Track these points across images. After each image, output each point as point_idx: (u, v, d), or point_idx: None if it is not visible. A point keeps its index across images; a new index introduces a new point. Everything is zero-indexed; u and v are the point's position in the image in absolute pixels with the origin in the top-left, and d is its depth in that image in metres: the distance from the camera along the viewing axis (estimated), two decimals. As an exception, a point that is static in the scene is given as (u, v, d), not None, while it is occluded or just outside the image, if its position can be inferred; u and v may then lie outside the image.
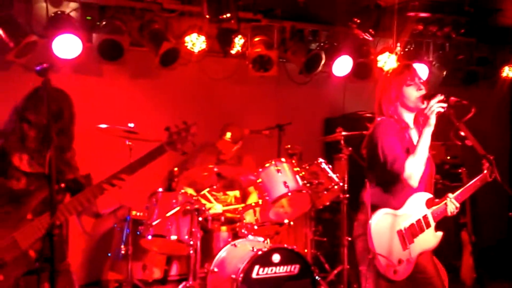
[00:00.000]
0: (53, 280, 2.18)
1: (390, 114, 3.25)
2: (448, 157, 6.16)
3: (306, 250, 5.11)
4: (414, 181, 3.08)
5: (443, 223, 6.31)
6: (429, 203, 3.23)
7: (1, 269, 2.51)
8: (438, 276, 3.32)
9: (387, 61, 6.11)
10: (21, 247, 2.54)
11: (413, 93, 3.20)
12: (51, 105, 2.61)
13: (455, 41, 6.64)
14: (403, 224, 3.14)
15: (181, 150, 2.77)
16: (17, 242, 2.54)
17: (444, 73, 6.75)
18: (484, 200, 6.20)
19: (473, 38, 6.91)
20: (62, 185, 2.64)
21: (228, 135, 5.15)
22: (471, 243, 5.66)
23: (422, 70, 6.37)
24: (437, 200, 3.28)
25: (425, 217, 3.20)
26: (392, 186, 3.20)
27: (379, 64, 6.13)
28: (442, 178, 6.02)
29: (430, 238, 3.22)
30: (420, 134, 3.16)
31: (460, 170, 5.46)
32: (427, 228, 3.20)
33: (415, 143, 3.18)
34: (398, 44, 6.46)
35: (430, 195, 3.25)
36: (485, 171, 3.31)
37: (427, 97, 3.17)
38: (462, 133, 3.11)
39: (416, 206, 3.20)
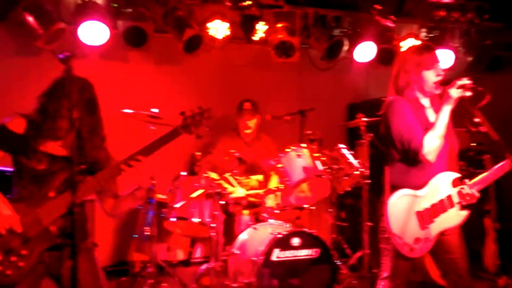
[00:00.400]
0: (74, 256, 2.22)
1: (407, 95, 3.25)
2: (473, 144, 6.09)
3: (326, 236, 5.12)
4: (432, 157, 3.12)
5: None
6: (455, 183, 3.22)
7: (24, 244, 2.59)
8: (464, 257, 3.31)
9: (412, 47, 6.06)
10: (43, 223, 2.61)
11: (431, 77, 3.21)
12: (85, 94, 2.76)
13: (480, 26, 6.52)
14: (423, 205, 3.16)
15: (196, 134, 2.82)
16: (40, 219, 2.61)
17: (470, 59, 6.63)
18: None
19: (499, 23, 6.80)
20: (83, 166, 2.67)
21: (247, 105, 5.26)
22: (495, 230, 5.61)
23: (447, 56, 6.32)
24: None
25: (449, 197, 3.20)
26: (412, 165, 3.21)
27: (402, 50, 6.06)
28: (466, 165, 5.98)
29: (453, 217, 3.21)
30: (438, 111, 3.16)
31: (484, 157, 5.40)
32: (450, 207, 3.19)
33: (431, 121, 3.19)
34: (424, 30, 6.44)
35: (456, 175, 3.25)
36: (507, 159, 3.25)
37: (444, 83, 3.18)
38: (477, 119, 3.13)
39: (440, 186, 3.21)
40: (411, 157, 3.16)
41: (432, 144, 3.10)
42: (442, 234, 3.22)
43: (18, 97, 4.97)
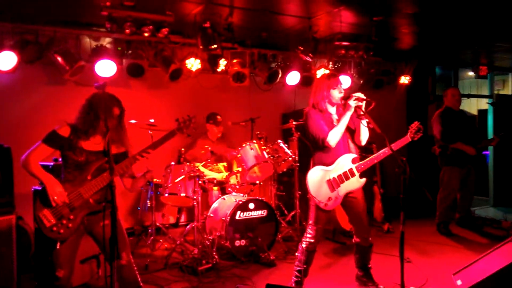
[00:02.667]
0: (114, 215, 2.26)
1: (320, 107, 3.41)
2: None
3: (271, 202, 5.29)
4: (333, 144, 3.29)
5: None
6: (354, 160, 3.39)
7: (72, 211, 2.66)
8: (365, 211, 3.46)
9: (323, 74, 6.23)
10: (84, 197, 2.68)
11: (336, 94, 3.39)
12: (118, 106, 2.80)
13: (368, 60, 6.72)
14: (332, 175, 3.33)
15: (186, 133, 2.91)
16: (81, 194, 2.68)
17: (361, 81, 6.89)
18: (390, 165, 6.41)
19: (380, 57, 7.16)
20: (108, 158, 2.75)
21: (219, 118, 5.35)
22: (380, 194, 5.96)
23: (345, 80, 6.54)
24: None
25: (350, 169, 3.36)
26: (324, 152, 3.37)
27: (317, 76, 6.17)
28: (361, 151, 6.31)
29: (355, 182, 3.38)
30: (341, 116, 3.35)
31: (372, 146, 5.74)
32: (352, 177, 3.35)
33: (335, 123, 3.36)
34: (331, 63, 6.71)
35: (355, 155, 3.41)
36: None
37: (345, 98, 3.37)
38: (367, 120, 3.29)
39: (343, 163, 3.37)
40: (320, 145, 3.33)
41: (334, 136, 3.27)
42: (349, 194, 3.39)
43: (50, 115, 4.92)
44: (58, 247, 2.68)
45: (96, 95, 2.69)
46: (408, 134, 3.45)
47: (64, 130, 2.73)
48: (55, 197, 2.61)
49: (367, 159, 3.43)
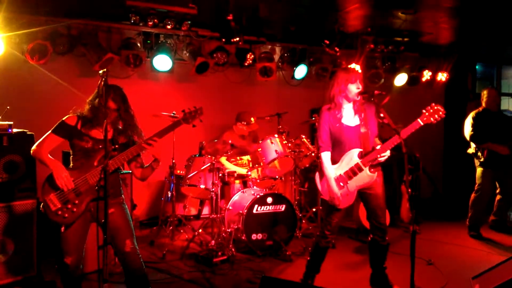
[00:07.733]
0: (106, 202, 2.27)
1: (336, 101, 3.27)
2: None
3: (292, 197, 5.17)
4: (323, 160, 3.25)
5: (390, 180, 6.26)
6: (360, 155, 3.20)
7: (78, 196, 2.67)
8: (382, 209, 3.29)
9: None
10: (90, 182, 2.69)
11: (353, 89, 3.22)
12: (119, 93, 2.75)
13: (403, 55, 6.53)
14: (338, 172, 3.21)
15: (192, 124, 2.85)
16: (87, 180, 2.68)
17: (395, 77, 6.61)
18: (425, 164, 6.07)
19: (416, 53, 6.82)
20: (117, 146, 2.75)
21: (254, 119, 5.20)
22: (408, 194, 5.65)
23: (378, 75, 6.35)
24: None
25: (356, 164, 3.18)
26: (334, 150, 3.27)
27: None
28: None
29: (364, 177, 3.19)
30: (357, 112, 3.21)
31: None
32: (359, 172, 3.17)
33: (345, 123, 3.22)
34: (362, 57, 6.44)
35: (360, 150, 3.21)
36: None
37: (361, 93, 3.21)
38: (382, 114, 3.06)
39: (349, 159, 3.22)
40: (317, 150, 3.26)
41: (324, 160, 3.22)
42: (365, 189, 3.24)
43: (78, 105, 5.04)
44: (62, 230, 2.69)
45: (104, 82, 2.65)
46: (420, 118, 3.05)
47: (71, 119, 2.75)
48: (61, 181, 2.63)
49: (372, 151, 3.20)
